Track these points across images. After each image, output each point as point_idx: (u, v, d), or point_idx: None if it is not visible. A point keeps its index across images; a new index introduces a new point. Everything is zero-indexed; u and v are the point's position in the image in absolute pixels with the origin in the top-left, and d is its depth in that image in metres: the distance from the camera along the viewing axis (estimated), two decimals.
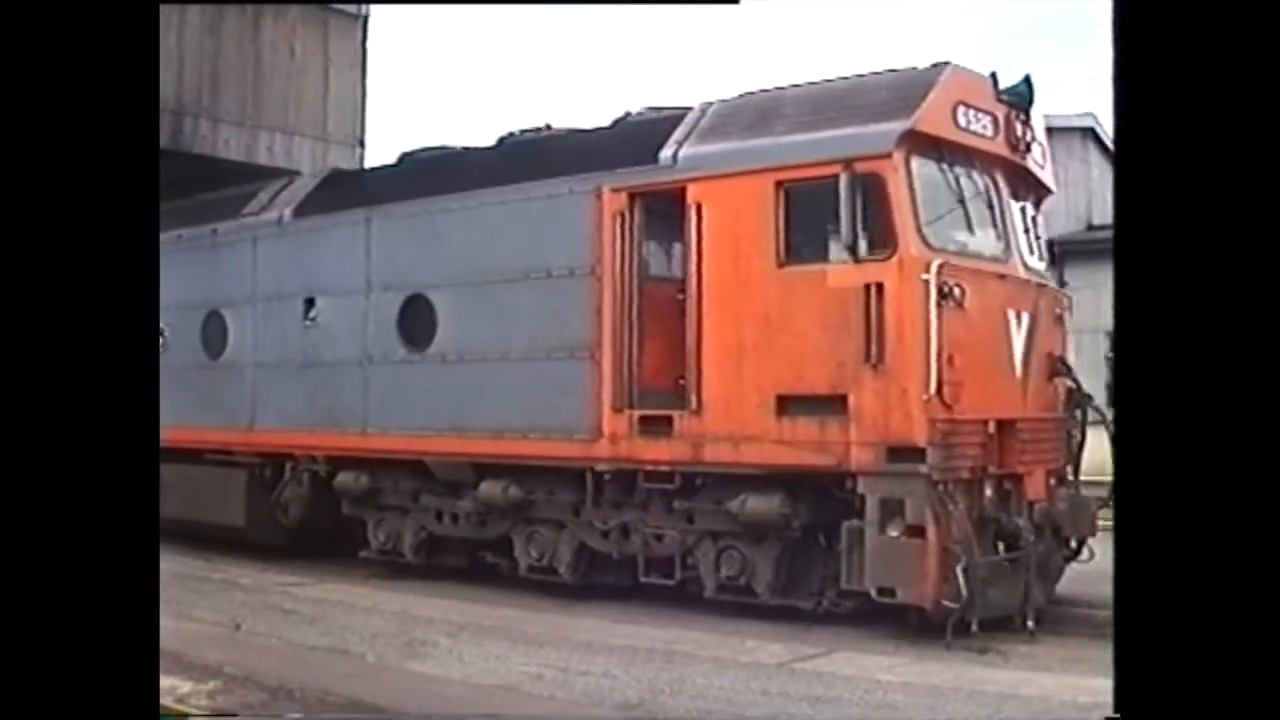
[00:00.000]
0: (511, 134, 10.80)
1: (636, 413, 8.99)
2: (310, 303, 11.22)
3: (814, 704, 6.32)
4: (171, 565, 8.64)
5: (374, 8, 16.89)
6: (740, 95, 9.30)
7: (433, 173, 10.70)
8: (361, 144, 16.94)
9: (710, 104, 9.33)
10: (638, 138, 9.39)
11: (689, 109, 9.50)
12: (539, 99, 39.16)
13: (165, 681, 5.70)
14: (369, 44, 16.87)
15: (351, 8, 16.68)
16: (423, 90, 45.72)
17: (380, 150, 16.98)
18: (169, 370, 12.45)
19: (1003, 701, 6.29)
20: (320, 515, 11.38)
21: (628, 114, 10.09)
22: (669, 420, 8.84)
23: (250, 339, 11.72)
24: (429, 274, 10.27)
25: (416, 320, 10.31)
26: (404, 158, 11.50)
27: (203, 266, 12.19)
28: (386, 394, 10.49)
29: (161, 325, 12.45)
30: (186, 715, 5.97)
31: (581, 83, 40.15)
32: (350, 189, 11.42)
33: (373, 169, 11.75)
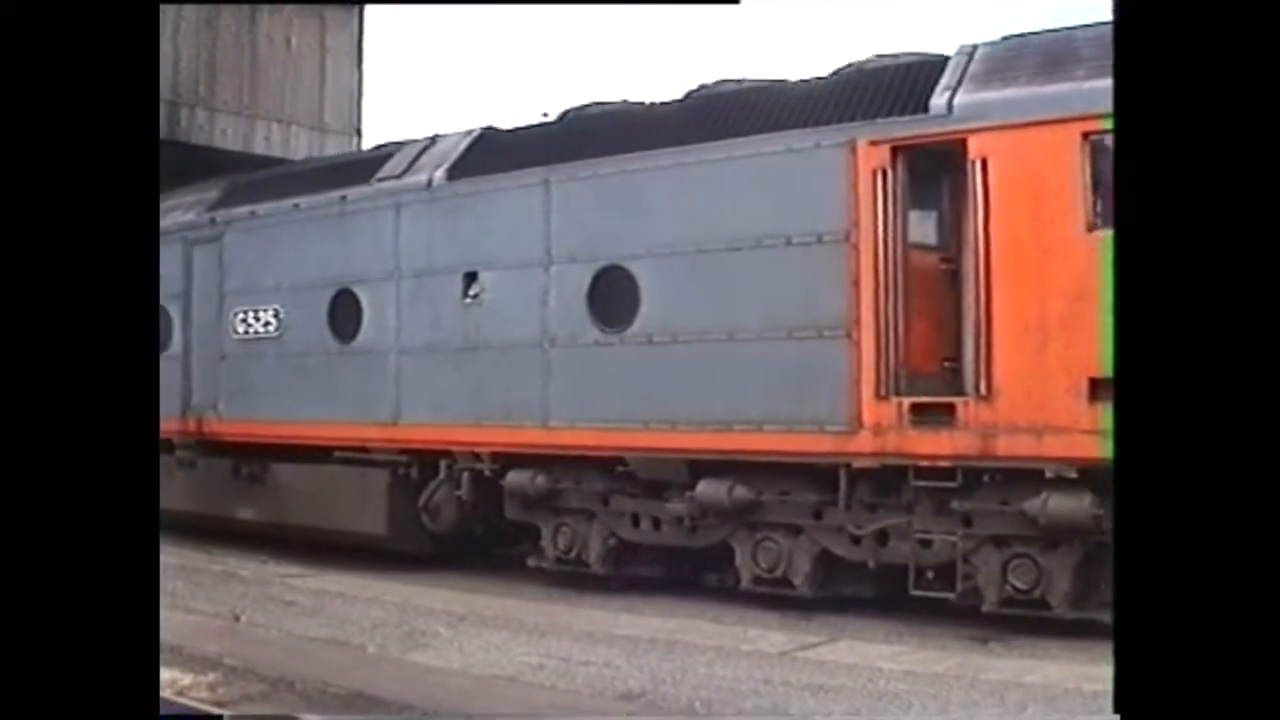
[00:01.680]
0: (702, 86, 9.54)
1: (906, 400, 7.80)
2: (471, 277, 9.73)
3: (816, 693, 6.24)
4: (171, 557, 8.79)
5: None
6: (1009, 37, 8.17)
7: (622, 128, 9.33)
8: (359, 133, 17.01)
9: (973, 47, 8.18)
10: (893, 84, 8.18)
11: (933, 55, 8.38)
12: (536, 88, 37.86)
13: (165, 674, 5.70)
14: (365, 33, 17.09)
15: None
16: (420, 79, 44.20)
17: (377, 140, 16.50)
18: (286, 359, 11.03)
19: (1006, 690, 6.17)
20: (476, 521, 10.04)
21: (850, 64, 8.88)
22: (949, 409, 7.67)
23: (393, 320, 10.20)
24: (629, 243, 8.90)
25: (613, 296, 8.94)
26: (565, 115, 10.16)
27: (328, 239, 10.68)
28: (575, 381, 9.13)
29: (276, 307, 11.03)
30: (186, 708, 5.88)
31: (580, 73, 38.90)
32: (516, 148, 9.94)
33: (538, 125, 10.29)
